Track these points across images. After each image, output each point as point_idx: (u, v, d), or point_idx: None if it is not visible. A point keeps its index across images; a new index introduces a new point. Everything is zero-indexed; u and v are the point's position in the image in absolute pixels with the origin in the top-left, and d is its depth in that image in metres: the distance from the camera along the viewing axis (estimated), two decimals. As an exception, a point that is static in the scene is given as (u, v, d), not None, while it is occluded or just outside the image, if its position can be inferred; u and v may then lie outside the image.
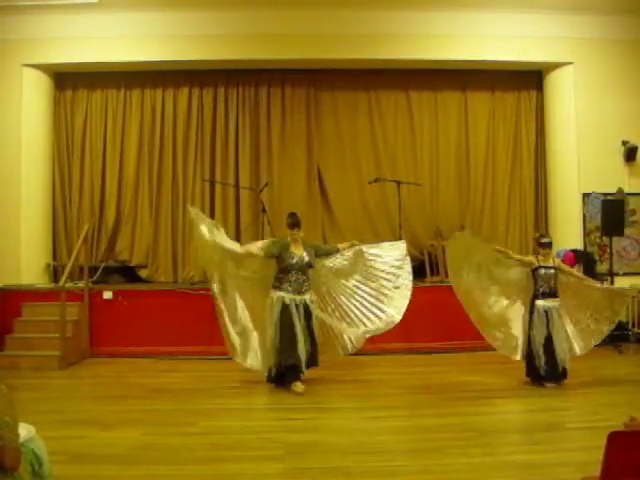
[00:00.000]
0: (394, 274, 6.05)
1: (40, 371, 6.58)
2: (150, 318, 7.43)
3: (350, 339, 6.04)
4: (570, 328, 5.86)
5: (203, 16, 8.08)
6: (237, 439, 4.32)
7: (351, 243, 6.22)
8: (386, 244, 6.37)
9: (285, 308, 5.67)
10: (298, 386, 5.62)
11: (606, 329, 5.93)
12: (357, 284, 6.04)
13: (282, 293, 5.72)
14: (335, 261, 6.09)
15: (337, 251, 6.13)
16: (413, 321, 7.50)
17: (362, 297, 6.01)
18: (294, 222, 5.86)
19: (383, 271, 6.07)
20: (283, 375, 5.71)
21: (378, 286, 6.01)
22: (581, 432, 4.31)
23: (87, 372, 6.79)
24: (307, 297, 5.79)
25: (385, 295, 6.00)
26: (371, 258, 6.09)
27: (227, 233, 8.60)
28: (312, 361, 5.82)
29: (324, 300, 6.05)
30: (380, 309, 5.97)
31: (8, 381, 2.46)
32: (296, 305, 5.70)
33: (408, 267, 6.11)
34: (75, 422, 4.74)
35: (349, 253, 6.10)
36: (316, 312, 5.85)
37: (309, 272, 5.87)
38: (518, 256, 6.09)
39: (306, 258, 5.81)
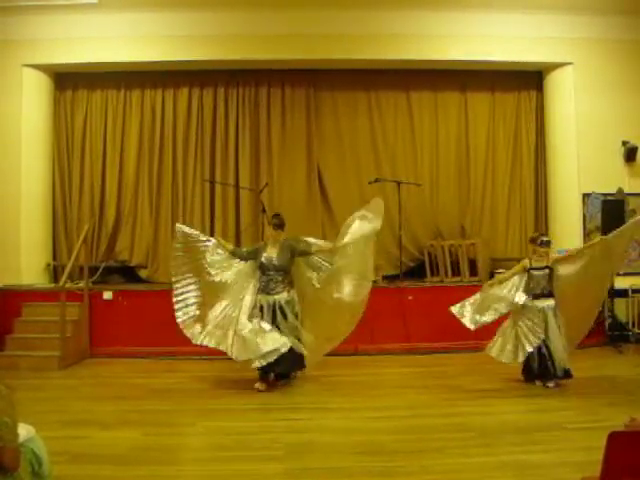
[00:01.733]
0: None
1: (40, 371, 6.58)
2: (150, 318, 7.41)
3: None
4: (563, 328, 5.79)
5: (203, 16, 8.08)
6: (237, 439, 4.33)
7: (333, 245, 5.97)
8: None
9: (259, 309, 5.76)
10: (258, 385, 5.72)
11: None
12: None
13: (259, 295, 5.82)
14: (316, 273, 5.92)
15: (311, 253, 5.91)
16: (413, 321, 7.54)
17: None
18: (279, 223, 5.93)
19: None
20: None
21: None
22: (581, 432, 4.30)
23: (87, 372, 6.79)
24: (278, 297, 5.76)
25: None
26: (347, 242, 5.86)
27: (227, 233, 8.73)
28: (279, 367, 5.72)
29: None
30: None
31: (8, 381, 2.46)
32: (261, 306, 5.75)
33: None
34: (75, 422, 4.74)
35: (329, 262, 5.89)
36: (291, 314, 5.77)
37: (280, 275, 5.81)
38: (511, 271, 6.02)
39: (275, 261, 5.82)
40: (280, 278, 5.81)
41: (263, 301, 5.77)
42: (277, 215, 6.10)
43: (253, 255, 5.99)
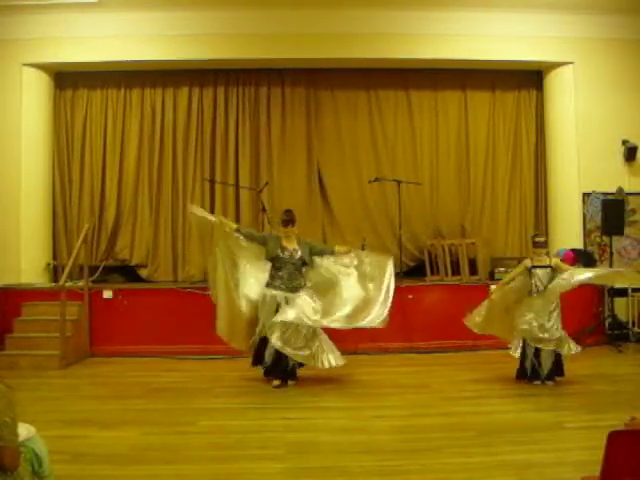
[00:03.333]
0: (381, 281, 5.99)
1: (40, 370, 6.58)
2: (150, 318, 7.42)
3: (329, 359, 5.80)
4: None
5: (203, 16, 8.08)
6: (237, 439, 4.33)
7: (349, 248, 6.10)
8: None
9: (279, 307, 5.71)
10: (274, 382, 5.80)
11: None
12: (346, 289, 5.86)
13: (275, 292, 5.75)
14: (331, 266, 5.94)
15: (332, 253, 5.99)
16: (413, 321, 7.54)
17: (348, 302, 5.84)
18: (290, 219, 5.89)
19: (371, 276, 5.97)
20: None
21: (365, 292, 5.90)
22: (581, 432, 4.30)
23: (87, 372, 6.79)
24: (300, 295, 5.74)
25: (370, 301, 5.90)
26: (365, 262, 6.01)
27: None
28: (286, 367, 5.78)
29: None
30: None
31: (8, 381, 2.46)
32: (287, 302, 5.72)
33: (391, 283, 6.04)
34: (75, 422, 4.74)
35: (346, 260, 5.95)
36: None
37: (303, 269, 5.86)
38: (513, 273, 6.04)
39: (298, 253, 5.82)
40: (301, 274, 5.83)
41: (290, 298, 5.70)
42: (288, 211, 6.03)
43: (262, 241, 5.93)
